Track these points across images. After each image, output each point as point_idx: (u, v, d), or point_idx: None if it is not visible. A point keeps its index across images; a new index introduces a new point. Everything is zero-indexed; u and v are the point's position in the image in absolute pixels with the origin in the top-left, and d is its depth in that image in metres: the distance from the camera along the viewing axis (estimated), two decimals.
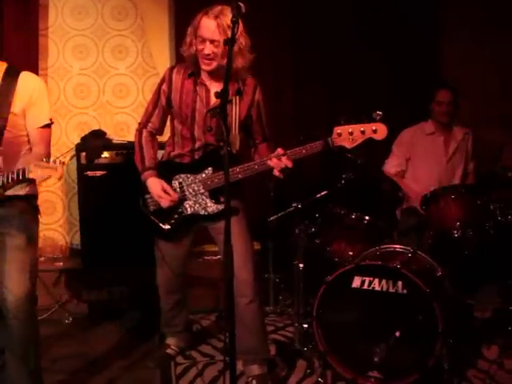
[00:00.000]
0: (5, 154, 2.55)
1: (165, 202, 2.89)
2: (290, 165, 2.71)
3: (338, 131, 2.67)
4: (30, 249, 2.63)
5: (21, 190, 2.60)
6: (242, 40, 2.73)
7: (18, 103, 2.57)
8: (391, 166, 4.08)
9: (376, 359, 2.82)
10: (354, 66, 4.76)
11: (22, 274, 2.57)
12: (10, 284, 2.56)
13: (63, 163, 2.36)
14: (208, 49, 2.70)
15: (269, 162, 2.74)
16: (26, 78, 2.63)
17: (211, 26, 2.66)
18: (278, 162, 2.72)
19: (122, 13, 4.71)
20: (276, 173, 2.75)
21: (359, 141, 2.67)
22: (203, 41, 2.70)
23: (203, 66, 2.78)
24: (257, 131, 3.01)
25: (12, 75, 2.62)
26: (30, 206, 2.68)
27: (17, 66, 4.25)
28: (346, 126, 2.66)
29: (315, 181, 3.80)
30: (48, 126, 2.66)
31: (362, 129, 2.64)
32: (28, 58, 4.42)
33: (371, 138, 2.65)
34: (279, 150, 2.73)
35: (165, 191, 2.88)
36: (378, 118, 2.63)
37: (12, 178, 2.38)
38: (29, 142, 2.65)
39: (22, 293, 2.56)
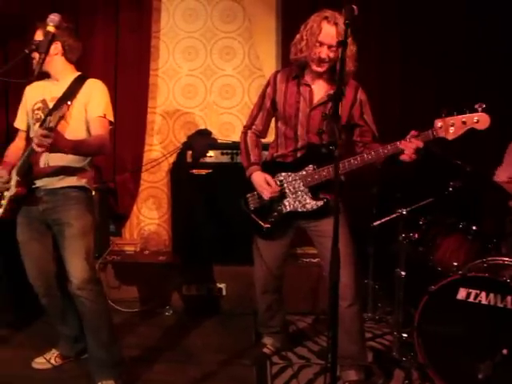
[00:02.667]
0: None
1: (266, 194, 2.94)
2: (420, 145, 2.66)
3: (439, 124, 2.64)
4: (86, 236, 2.94)
5: (77, 182, 2.92)
6: (352, 46, 2.77)
7: (80, 98, 2.88)
8: (503, 174, 3.89)
9: (480, 376, 2.71)
10: (464, 75, 4.53)
11: (79, 259, 2.89)
12: (70, 269, 2.90)
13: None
14: (324, 53, 2.76)
15: (399, 145, 2.70)
16: (91, 81, 2.96)
17: (332, 32, 2.72)
18: (409, 143, 2.67)
19: (231, 15, 4.80)
20: (407, 157, 2.68)
21: (460, 132, 2.62)
22: (321, 45, 2.76)
23: (316, 68, 2.83)
24: (365, 130, 2.96)
25: (80, 80, 2.95)
26: (85, 196, 2.97)
27: (130, 65, 4.54)
28: (448, 118, 2.63)
29: (421, 187, 3.69)
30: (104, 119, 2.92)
31: (463, 119, 2.60)
32: (140, 58, 4.62)
33: (473, 128, 2.60)
34: (413, 132, 2.69)
35: (267, 183, 2.93)
36: (481, 108, 2.59)
37: (46, 125, 2.49)
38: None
39: (81, 276, 2.88)
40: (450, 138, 2.63)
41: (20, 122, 3.13)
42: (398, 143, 2.71)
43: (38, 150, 2.52)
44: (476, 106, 2.59)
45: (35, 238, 3.02)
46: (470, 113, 2.60)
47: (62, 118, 2.50)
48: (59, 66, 2.94)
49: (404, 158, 2.70)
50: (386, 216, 3.62)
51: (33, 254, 3.03)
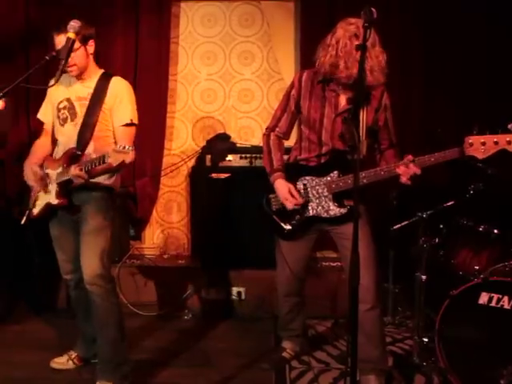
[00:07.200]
0: (95, 146, 2.92)
1: (290, 205, 2.92)
2: (418, 172, 2.68)
3: (470, 141, 2.59)
4: (101, 234, 2.98)
5: (104, 180, 2.96)
6: (380, 56, 2.74)
7: (107, 102, 2.95)
8: None
9: (502, 382, 2.67)
10: (488, 81, 4.46)
11: (92, 255, 2.94)
12: (83, 264, 2.95)
13: (134, 149, 2.57)
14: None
15: (397, 170, 2.73)
16: (115, 82, 3.00)
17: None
18: (406, 169, 2.69)
19: (249, 20, 4.81)
20: (403, 179, 2.72)
21: (491, 152, 2.57)
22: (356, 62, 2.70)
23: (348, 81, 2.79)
24: (383, 136, 2.97)
25: (105, 79, 3.00)
26: (108, 195, 3.02)
27: (149, 70, 4.56)
28: (479, 137, 2.58)
29: (442, 190, 3.65)
30: (130, 125, 2.97)
31: (495, 139, 2.55)
32: (159, 63, 4.64)
33: (504, 149, 2.55)
34: (409, 157, 2.70)
35: (291, 194, 2.92)
36: None
37: (94, 164, 2.65)
38: (114, 137, 2.99)
39: (94, 271, 2.92)
40: (480, 157, 2.59)
41: (44, 115, 3.17)
42: (394, 167, 2.73)
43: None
44: (509, 126, 2.54)
45: (66, 232, 3.09)
46: (502, 133, 2.55)
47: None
48: (81, 62, 2.93)
49: (403, 180, 2.73)
50: (406, 219, 3.60)
51: (65, 247, 3.12)
